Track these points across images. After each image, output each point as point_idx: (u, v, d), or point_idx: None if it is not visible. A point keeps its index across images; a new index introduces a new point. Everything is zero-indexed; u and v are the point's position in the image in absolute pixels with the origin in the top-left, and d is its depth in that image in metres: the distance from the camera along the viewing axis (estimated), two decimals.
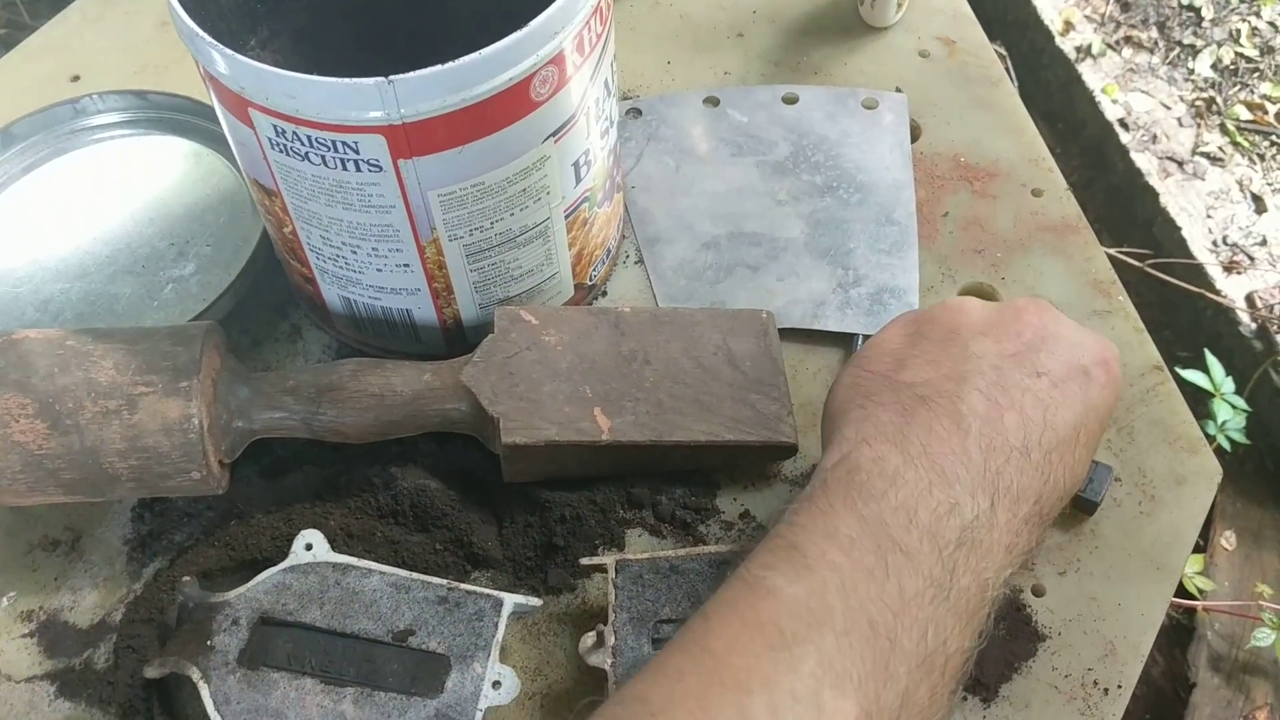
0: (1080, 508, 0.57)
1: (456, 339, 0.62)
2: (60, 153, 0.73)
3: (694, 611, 0.42)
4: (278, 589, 0.54)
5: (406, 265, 0.56)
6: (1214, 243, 1.47)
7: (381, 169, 0.51)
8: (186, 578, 0.55)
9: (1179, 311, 1.50)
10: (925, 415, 0.45)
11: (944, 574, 0.41)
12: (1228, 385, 1.32)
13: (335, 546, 0.56)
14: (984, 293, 0.67)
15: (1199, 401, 1.38)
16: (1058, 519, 0.52)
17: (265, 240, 0.65)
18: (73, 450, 0.53)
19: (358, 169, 0.51)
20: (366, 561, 0.55)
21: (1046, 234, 0.69)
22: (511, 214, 0.55)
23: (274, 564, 0.55)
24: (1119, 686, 0.54)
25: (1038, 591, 0.57)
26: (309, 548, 0.55)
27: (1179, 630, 1.24)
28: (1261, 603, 1.20)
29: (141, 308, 0.65)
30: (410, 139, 0.49)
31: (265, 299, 0.67)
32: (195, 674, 0.51)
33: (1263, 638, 1.15)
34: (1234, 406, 1.30)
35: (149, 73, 0.82)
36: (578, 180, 0.57)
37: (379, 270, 0.57)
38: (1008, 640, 0.55)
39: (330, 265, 0.58)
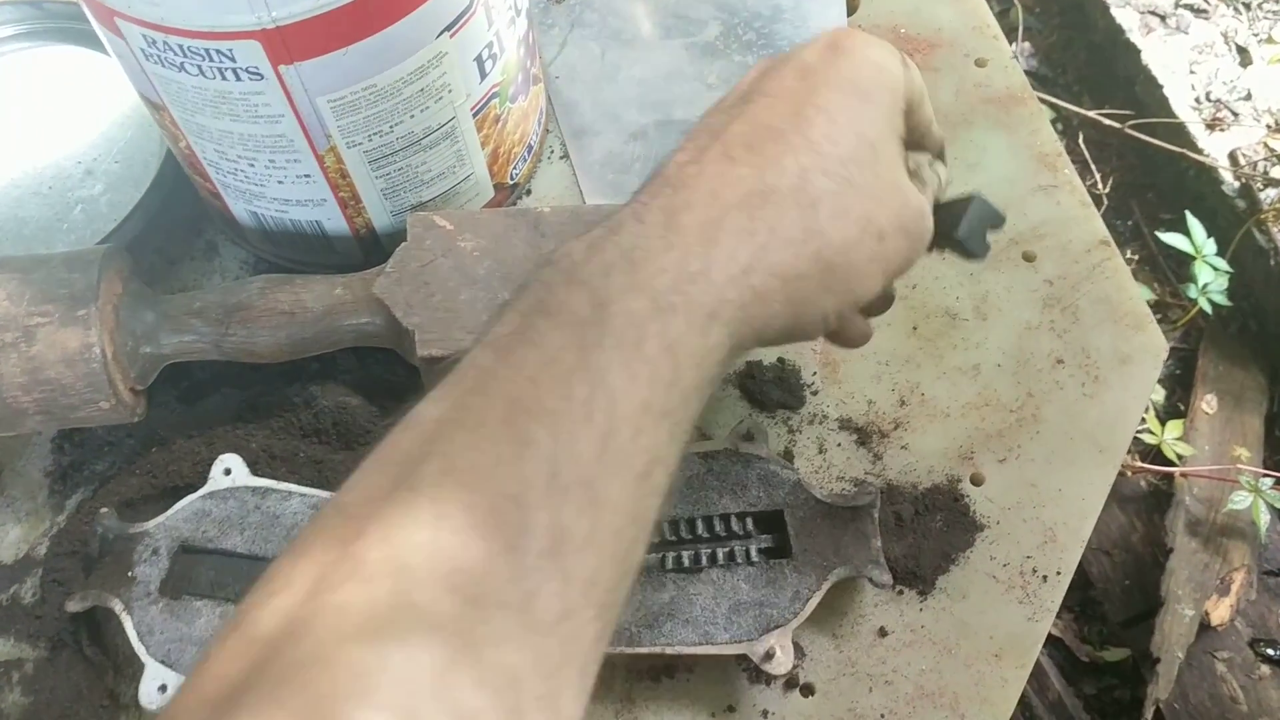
0: (958, 253, 0.45)
1: (373, 248, 0.59)
2: None
3: None
4: (197, 516, 0.53)
5: (307, 176, 0.54)
6: (1197, 99, 1.43)
7: (263, 77, 0.48)
8: (104, 509, 0.54)
9: (1161, 173, 1.46)
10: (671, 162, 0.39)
11: (594, 309, 0.34)
12: (1209, 247, 1.29)
13: (258, 469, 0.55)
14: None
15: (1181, 264, 1.35)
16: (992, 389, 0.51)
17: (173, 155, 0.62)
18: None
19: (238, 78, 0.48)
20: (287, 484, 0.53)
21: (990, 106, 0.66)
22: (411, 116, 0.53)
23: (196, 490, 0.54)
24: (1058, 573, 0.53)
25: (976, 480, 0.55)
26: (228, 473, 0.54)
27: (1157, 496, 1.24)
28: (1239, 466, 1.19)
29: (50, 231, 0.63)
30: (288, 43, 0.46)
31: (178, 215, 0.65)
32: (118, 606, 0.50)
33: (1240, 501, 1.15)
34: (1216, 269, 1.28)
35: None
36: (483, 76, 0.54)
37: (280, 183, 0.55)
38: (945, 532, 0.54)
39: (231, 179, 0.56)
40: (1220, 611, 1.15)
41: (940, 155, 0.46)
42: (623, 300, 0.34)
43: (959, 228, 0.43)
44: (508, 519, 0.31)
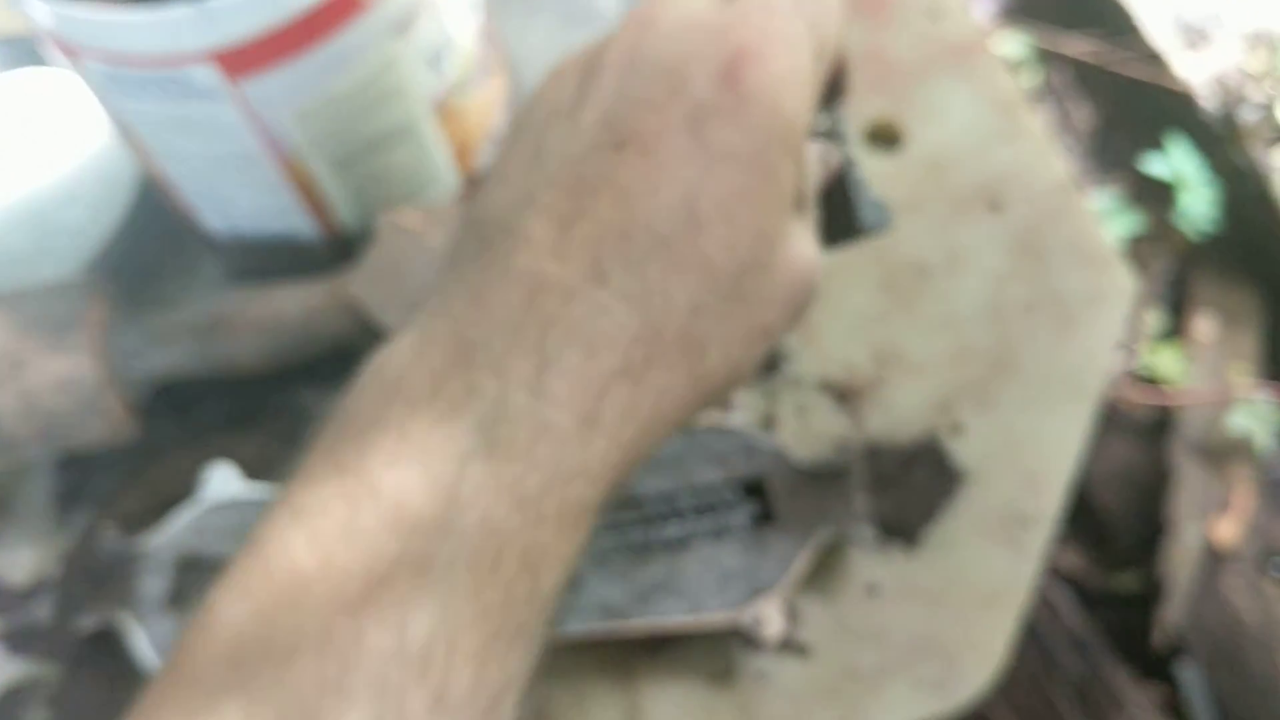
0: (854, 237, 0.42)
1: (346, 252, 0.60)
2: None
3: None
4: (197, 528, 0.54)
5: (275, 188, 0.55)
6: (1172, 25, 1.42)
7: (220, 97, 0.49)
8: (107, 527, 0.55)
9: (1138, 104, 1.46)
10: (476, 266, 0.31)
11: (441, 511, 0.27)
12: (1194, 172, 1.29)
13: (252, 476, 0.56)
14: (888, 128, 0.64)
15: (1167, 192, 1.35)
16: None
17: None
18: None
19: (197, 100, 0.49)
20: None
21: (948, 57, 0.66)
22: (370, 120, 0.53)
23: (194, 501, 0.55)
24: (1042, 517, 0.54)
25: (956, 430, 0.56)
26: (223, 483, 0.55)
27: (1157, 423, 1.25)
28: (1237, 387, 1.20)
29: (34, 262, 0.64)
30: (241, 61, 0.47)
31: (160, 231, 0.66)
32: (129, 621, 0.52)
33: (1240, 421, 1.16)
34: (1202, 194, 1.28)
35: None
36: (438, 72, 0.55)
37: (250, 198, 0.56)
38: (928, 485, 0.55)
39: (202, 198, 0.57)
40: (1226, 532, 1.16)
41: (831, 134, 0.39)
42: (480, 504, 0.27)
43: (856, 218, 0.39)
44: None
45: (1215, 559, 1.15)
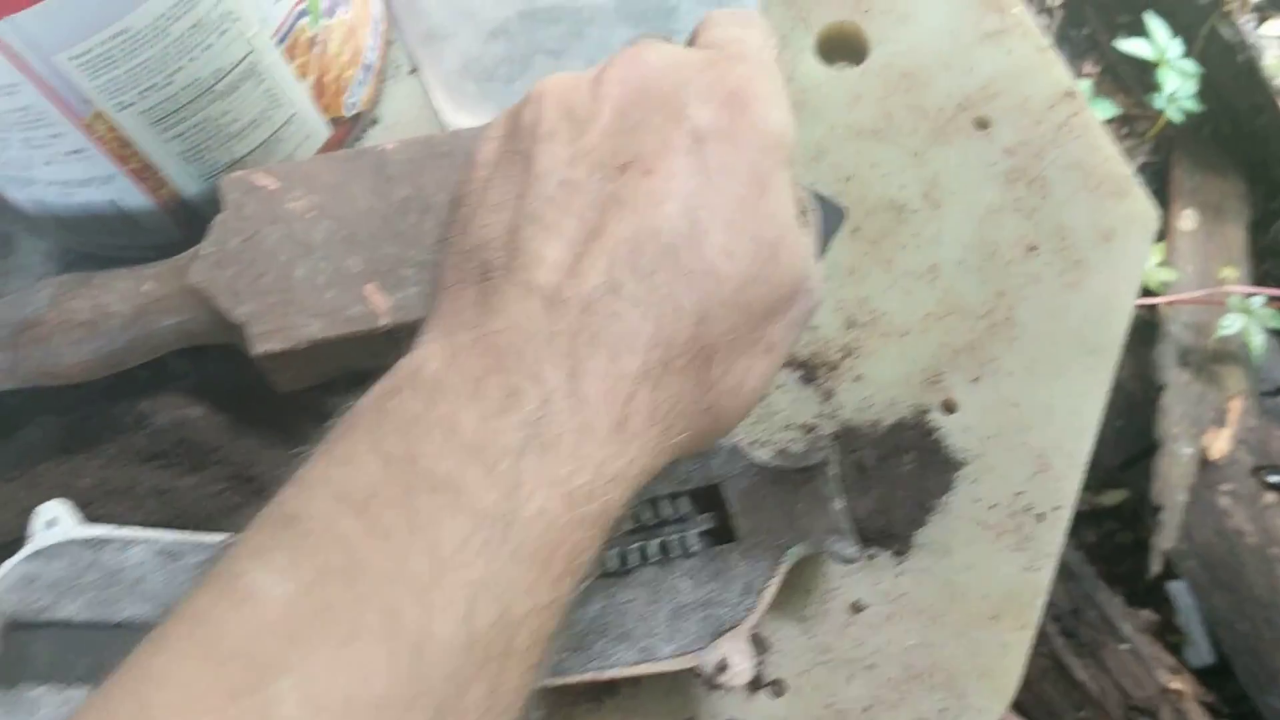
0: None
1: (191, 221, 0.49)
2: None
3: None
4: (22, 583, 0.44)
5: (78, 151, 0.43)
6: None
7: None
8: None
9: None
10: (485, 287, 0.33)
11: (502, 501, 0.28)
12: (1174, 50, 1.18)
13: (94, 510, 0.46)
14: (847, 37, 0.53)
15: (1144, 72, 1.25)
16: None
17: None
18: None
19: None
20: (125, 530, 0.44)
21: None
22: (192, 60, 0.41)
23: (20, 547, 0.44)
24: (1057, 508, 0.45)
25: (948, 408, 0.47)
26: (51, 524, 0.44)
27: (1143, 329, 1.16)
28: (1227, 288, 1.11)
29: None
30: None
31: None
32: None
33: (1230, 324, 1.07)
34: (1183, 73, 1.18)
35: None
36: None
37: (48, 164, 0.44)
38: (917, 476, 0.46)
39: None
40: (1220, 444, 1.08)
41: None
42: (537, 497, 0.28)
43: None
44: None
45: (1209, 472, 1.08)
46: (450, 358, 0.31)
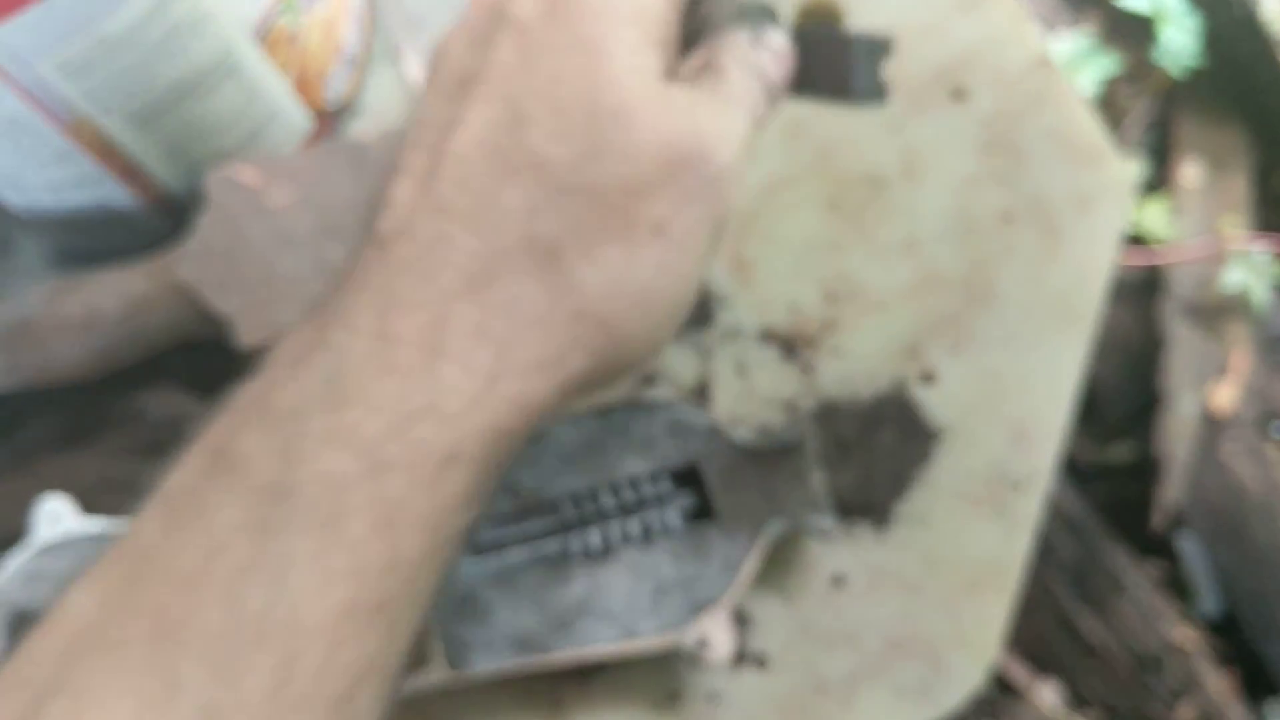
0: (853, 102, 0.35)
1: (180, 218, 0.50)
2: None
3: None
4: (29, 578, 0.45)
5: (64, 156, 0.44)
6: None
7: None
8: None
9: None
10: (356, 256, 0.31)
11: (283, 470, 0.26)
12: (1175, 3, 1.17)
13: (96, 503, 0.47)
14: (821, 5, 0.53)
15: (1146, 27, 1.24)
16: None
17: None
18: None
19: None
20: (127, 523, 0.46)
21: None
22: (170, 62, 0.42)
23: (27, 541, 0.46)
24: (1034, 476, 0.45)
25: (928, 378, 0.47)
26: (54, 519, 0.46)
27: (1146, 283, 1.16)
28: (1230, 240, 1.11)
29: None
30: None
31: None
32: None
33: (1234, 276, 1.07)
34: (1184, 26, 1.17)
35: None
36: None
37: (37, 169, 0.45)
38: (897, 447, 0.46)
39: None
40: (1224, 397, 1.08)
41: (765, 13, 0.34)
42: (319, 457, 0.26)
43: (851, 80, 0.34)
44: None
45: (1214, 426, 1.08)
46: (296, 330, 0.29)
